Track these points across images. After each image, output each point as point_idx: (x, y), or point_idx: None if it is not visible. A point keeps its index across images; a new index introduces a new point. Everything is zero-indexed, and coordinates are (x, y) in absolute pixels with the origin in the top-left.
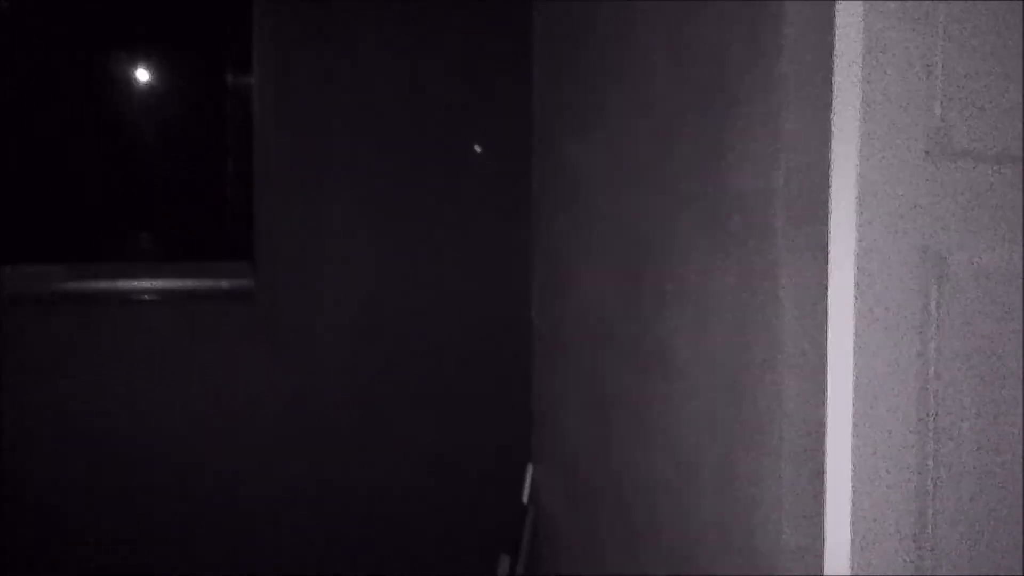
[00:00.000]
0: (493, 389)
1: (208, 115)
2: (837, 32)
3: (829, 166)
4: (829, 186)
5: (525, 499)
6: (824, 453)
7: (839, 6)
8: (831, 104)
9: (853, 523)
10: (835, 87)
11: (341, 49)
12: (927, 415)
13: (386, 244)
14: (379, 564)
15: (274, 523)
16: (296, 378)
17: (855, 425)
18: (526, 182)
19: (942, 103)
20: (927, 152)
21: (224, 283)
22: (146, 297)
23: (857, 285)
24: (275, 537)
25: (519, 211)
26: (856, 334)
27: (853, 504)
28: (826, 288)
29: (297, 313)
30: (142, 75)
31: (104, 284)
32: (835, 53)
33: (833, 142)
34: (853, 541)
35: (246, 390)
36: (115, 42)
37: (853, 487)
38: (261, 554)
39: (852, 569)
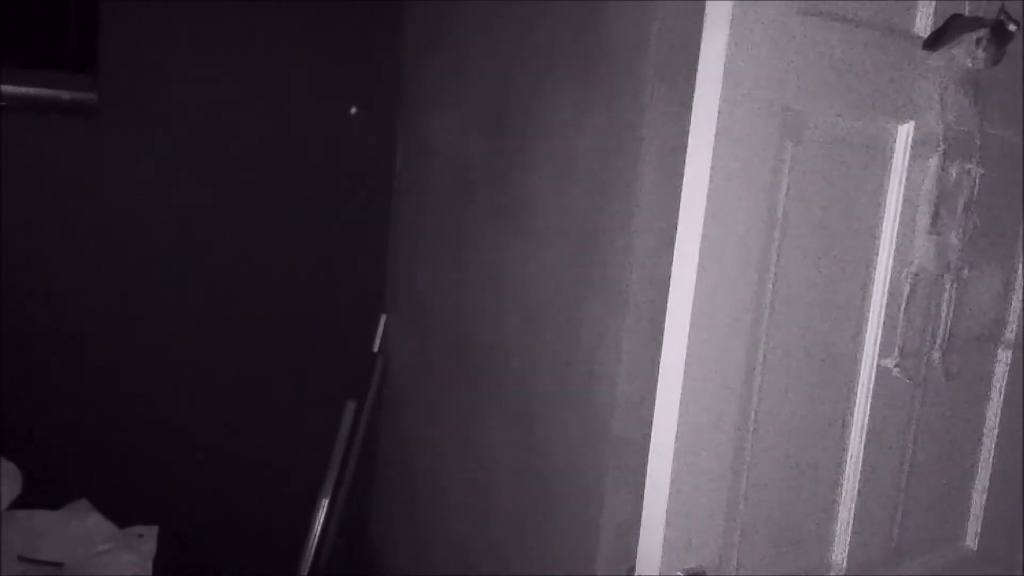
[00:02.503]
0: (351, 238)
1: None
2: None
3: (703, 15)
4: (700, 35)
5: (376, 348)
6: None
7: None
8: None
9: (686, 370)
10: None
11: None
12: (768, 271)
13: (240, 71)
14: (227, 405)
15: (115, 360)
16: (138, 200)
17: (698, 277)
18: (396, 26)
19: None
20: (800, 11)
21: (65, 94)
22: None
23: (716, 142)
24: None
25: (388, 55)
26: (709, 192)
27: (687, 352)
28: (685, 143)
29: (141, 131)
30: None
31: None
32: None
33: None
34: (684, 388)
35: (86, 205)
36: None
37: (689, 335)
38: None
39: (679, 418)
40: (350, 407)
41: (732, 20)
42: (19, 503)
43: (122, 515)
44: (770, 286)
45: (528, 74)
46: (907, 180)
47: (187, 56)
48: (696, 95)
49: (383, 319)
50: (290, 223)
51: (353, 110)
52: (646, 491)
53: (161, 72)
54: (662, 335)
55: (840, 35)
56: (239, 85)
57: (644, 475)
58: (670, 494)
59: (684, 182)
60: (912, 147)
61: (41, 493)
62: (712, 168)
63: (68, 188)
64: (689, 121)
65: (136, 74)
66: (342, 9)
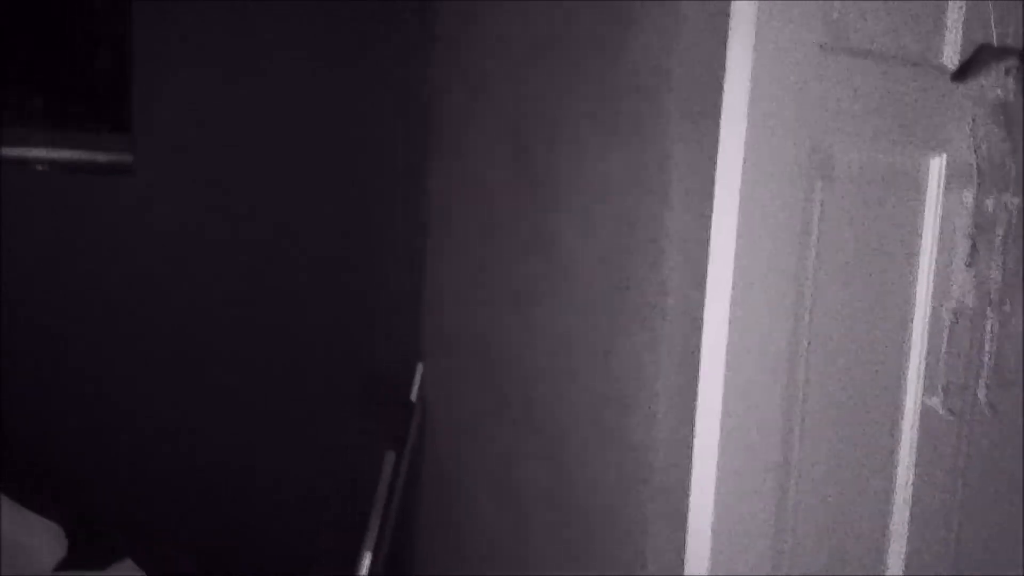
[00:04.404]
0: (386, 285)
1: None
2: None
3: (725, 53)
4: (724, 73)
5: (413, 397)
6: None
7: None
8: None
9: (724, 411)
10: None
11: None
12: (803, 309)
13: (276, 122)
14: (266, 462)
15: (139, 407)
16: (175, 262)
17: (731, 317)
18: (424, 57)
19: None
20: (822, 46)
21: (101, 156)
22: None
23: (743, 183)
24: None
25: (416, 97)
26: (739, 232)
27: (724, 393)
28: (713, 183)
29: (177, 191)
30: None
31: None
32: None
33: (731, 25)
34: (722, 430)
35: (121, 269)
36: None
37: (725, 376)
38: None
39: (719, 462)
40: (390, 457)
41: (754, 61)
42: (64, 564)
43: (165, 574)
44: (806, 323)
45: (554, 96)
46: (942, 214)
47: (222, 104)
48: (721, 135)
49: (420, 367)
50: (328, 276)
51: None
52: (688, 537)
53: (197, 125)
54: (697, 372)
55: (865, 70)
56: (274, 132)
57: (685, 518)
58: (713, 542)
59: (712, 222)
60: (945, 180)
61: (85, 553)
62: (740, 208)
63: (104, 246)
64: (715, 154)
65: (171, 131)
66: (376, 41)
